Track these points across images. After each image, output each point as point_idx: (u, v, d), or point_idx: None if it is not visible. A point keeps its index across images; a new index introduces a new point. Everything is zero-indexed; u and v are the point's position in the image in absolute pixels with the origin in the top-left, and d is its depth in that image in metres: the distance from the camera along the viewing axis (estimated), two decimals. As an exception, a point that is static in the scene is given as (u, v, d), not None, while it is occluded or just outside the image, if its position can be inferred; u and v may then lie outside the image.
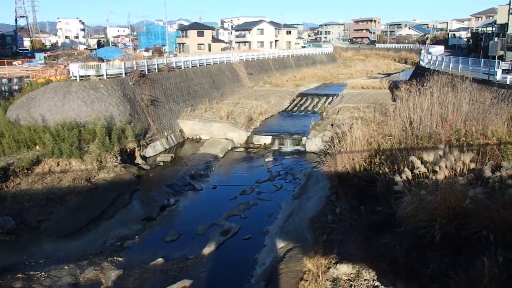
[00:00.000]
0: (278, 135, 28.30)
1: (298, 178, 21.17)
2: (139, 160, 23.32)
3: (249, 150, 27.32)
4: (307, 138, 26.77)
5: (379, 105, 27.81)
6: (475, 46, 63.21)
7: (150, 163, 23.67)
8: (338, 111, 31.44)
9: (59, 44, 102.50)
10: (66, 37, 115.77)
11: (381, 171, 12.67)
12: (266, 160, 24.85)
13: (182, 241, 15.01)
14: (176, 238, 15.23)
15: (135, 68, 28.59)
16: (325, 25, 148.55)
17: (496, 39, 47.88)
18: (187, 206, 18.49)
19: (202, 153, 25.46)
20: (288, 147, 27.14)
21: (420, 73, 34.54)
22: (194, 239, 15.09)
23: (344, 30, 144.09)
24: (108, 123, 23.06)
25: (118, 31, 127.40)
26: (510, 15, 43.11)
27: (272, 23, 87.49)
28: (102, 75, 26.34)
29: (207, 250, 14.06)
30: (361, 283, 8.75)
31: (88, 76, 26.16)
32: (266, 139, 28.12)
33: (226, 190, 20.01)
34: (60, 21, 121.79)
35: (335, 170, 15.71)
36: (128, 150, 23.14)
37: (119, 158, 21.53)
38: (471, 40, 73.93)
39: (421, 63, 42.37)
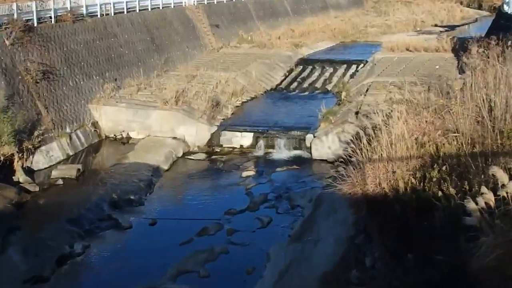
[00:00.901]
0: (264, 132, 28.38)
1: (299, 206, 21.11)
2: (20, 176, 22.86)
3: (214, 157, 27.38)
4: (314, 137, 26.91)
5: (437, 79, 27.52)
6: None
7: (41, 180, 23.27)
8: (367, 90, 31.39)
9: None
10: None
11: (441, 193, 12.62)
12: (244, 174, 24.95)
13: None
14: (84, 315, 14.87)
15: (15, 16, 28.02)
16: None
17: None
18: (104, 257, 18.10)
19: (133, 164, 25.23)
20: (282, 151, 27.31)
21: (504, 25, 34.89)
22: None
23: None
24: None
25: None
26: None
27: None
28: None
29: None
30: None
31: None
32: (244, 139, 28.17)
33: (174, 228, 19.84)
34: None
35: (363, 192, 15.86)
36: (2, 158, 22.58)
37: (-16, 172, 21.07)
38: None
39: (506, 8, 42.70)
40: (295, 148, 27.37)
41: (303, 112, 31.56)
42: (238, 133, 28.48)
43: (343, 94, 33.35)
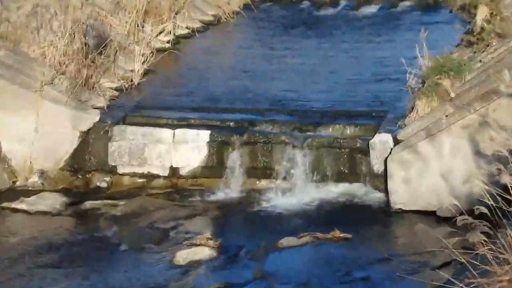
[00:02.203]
0: (243, 126, 13.59)
1: None
2: None
3: (89, 206, 12.92)
4: (396, 143, 12.39)
5: None
6: None
7: None
8: None
9: None
10: None
11: None
12: (183, 258, 11.31)
13: None
14: None
15: None
16: None
17: None
18: None
19: None
20: (298, 188, 12.67)
21: None
22: None
23: None
24: None
25: None
26: None
27: None
28: None
29: None
30: None
31: None
32: (183, 149, 13.81)
33: None
34: None
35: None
36: None
37: None
38: None
39: None
40: (337, 177, 12.17)
41: (359, 69, 14.79)
42: (165, 133, 12.90)
43: (482, 12, 15.67)
